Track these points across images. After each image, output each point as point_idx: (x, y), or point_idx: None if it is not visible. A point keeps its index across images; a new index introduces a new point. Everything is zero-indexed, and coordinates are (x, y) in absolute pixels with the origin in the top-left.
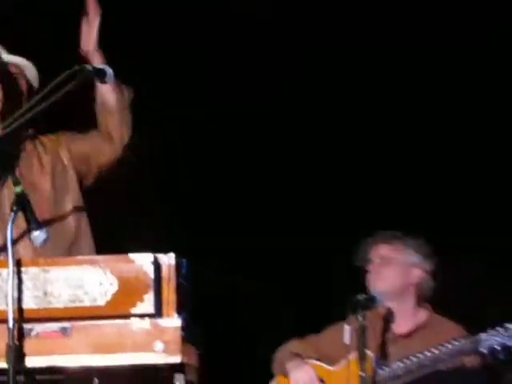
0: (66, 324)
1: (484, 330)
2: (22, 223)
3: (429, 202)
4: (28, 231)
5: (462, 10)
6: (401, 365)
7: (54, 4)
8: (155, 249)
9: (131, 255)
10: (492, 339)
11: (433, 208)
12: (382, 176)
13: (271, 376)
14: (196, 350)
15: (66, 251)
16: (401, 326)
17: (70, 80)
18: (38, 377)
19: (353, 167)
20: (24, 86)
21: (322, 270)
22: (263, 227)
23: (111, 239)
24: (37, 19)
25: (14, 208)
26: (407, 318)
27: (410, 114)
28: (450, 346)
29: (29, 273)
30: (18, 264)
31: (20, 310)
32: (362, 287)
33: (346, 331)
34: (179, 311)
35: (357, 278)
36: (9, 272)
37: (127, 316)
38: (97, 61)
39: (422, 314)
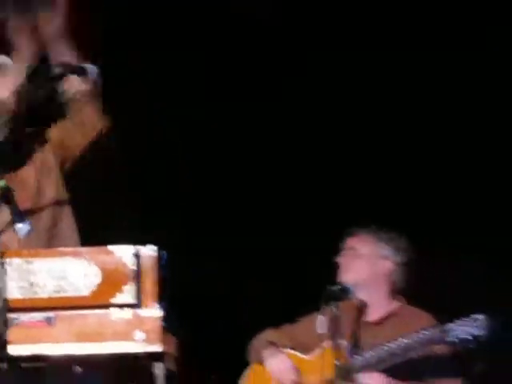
0: (50, 314)
1: (452, 320)
2: (6, 216)
3: (428, 202)
4: (12, 223)
5: (461, 9)
6: (373, 353)
7: None
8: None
9: (113, 247)
10: (460, 329)
11: (432, 208)
12: (381, 176)
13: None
14: (175, 340)
15: (47, 242)
16: (373, 314)
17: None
18: (22, 364)
19: (353, 167)
20: None
21: (322, 270)
22: (263, 227)
23: (111, 239)
24: None
25: None
26: (379, 307)
27: (410, 114)
28: (419, 335)
29: (13, 264)
30: (2, 255)
31: (5, 299)
32: None
33: (321, 321)
34: (159, 302)
35: None
36: None
37: (109, 306)
38: (60, 50)
39: (394, 304)
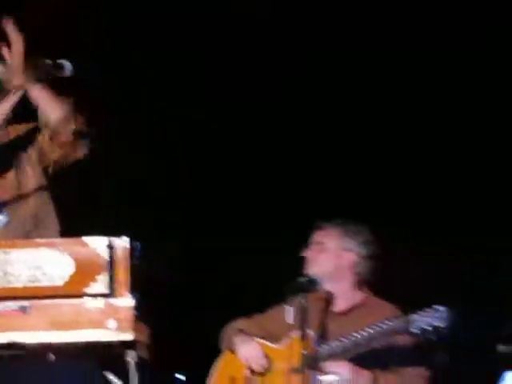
0: (25, 303)
1: (415, 311)
2: None
3: (429, 202)
4: None
5: (462, 10)
6: (338, 343)
7: None
8: (155, 248)
9: (87, 238)
10: (422, 319)
11: (433, 208)
12: (382, 177)
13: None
14: (147, 328)
15: (27, 233)
16: (339, 305)
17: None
18: None
19: (355, 167)
20: None
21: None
22: (263, 227)
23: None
24: None
25: None
26: (345, 298)
27: (410, 114)
28: (383, 326)
29: None
30: None
31: None
32: None
33: (289, 312)
34: (132, 291)
35: None
36: None
37: (83, 295)
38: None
39: (360, 296)
